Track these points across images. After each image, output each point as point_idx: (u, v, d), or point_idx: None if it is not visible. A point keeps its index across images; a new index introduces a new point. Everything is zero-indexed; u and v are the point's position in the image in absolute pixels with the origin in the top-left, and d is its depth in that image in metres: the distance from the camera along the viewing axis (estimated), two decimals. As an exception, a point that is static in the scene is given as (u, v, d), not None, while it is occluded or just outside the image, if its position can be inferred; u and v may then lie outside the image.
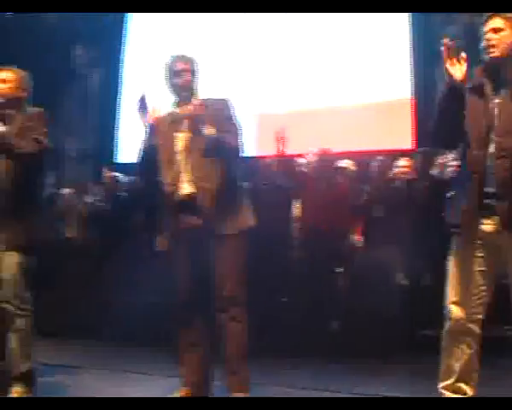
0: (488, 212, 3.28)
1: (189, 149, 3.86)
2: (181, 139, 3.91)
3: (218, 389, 3.95)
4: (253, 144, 7.36)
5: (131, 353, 6.10)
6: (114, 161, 10.50)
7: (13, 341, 3.80)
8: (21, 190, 3.82)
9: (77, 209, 8.17)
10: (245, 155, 4.13)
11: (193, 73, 4.01)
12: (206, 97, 3.98)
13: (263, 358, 5.08)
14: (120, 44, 10.90)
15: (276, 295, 6.59)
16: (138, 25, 10.64)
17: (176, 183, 3.86)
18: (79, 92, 11.21)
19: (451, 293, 3.40)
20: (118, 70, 11.03)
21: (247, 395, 3.73)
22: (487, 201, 3.27)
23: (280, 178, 6.75)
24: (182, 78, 3.96)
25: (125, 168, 8.88)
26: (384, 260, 6.37)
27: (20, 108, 4.00)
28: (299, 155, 7.01)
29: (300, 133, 7.64)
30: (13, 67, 4.09)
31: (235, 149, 3.89)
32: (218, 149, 3.80)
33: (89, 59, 11.42)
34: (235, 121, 3.94)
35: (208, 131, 3.76)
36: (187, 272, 3.87)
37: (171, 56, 4.05)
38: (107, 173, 8.22)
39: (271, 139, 6.20)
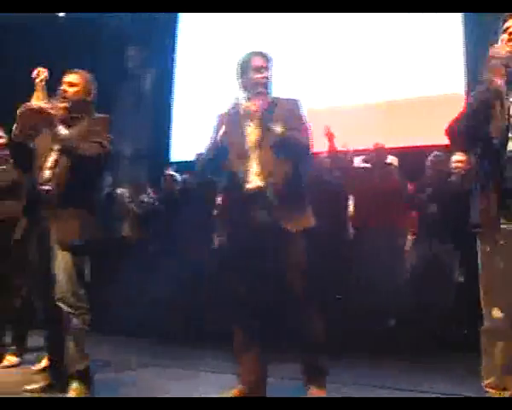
0: (509, 211, 3.29)
1: (259, 145, 3.87)
2: (251, 135, 3.91)
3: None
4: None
5: (188, 349, 6.16)
6: (169, 160, 10.60)
7: (69, 339, 3.87)
8: (80, 190, 3.88)
9: (132, 209, 8.28)
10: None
11: (270, 70, 4.01)
12: (276, 96, 3.98)
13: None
14: (173, 43, 10.99)
15: (331, 293, 6.55)
16: (190, 23, 10.70)
17: (245, 177, 3.85)
18: (133, 92, 11.36)
19: (489, 293, 3.40)
20: (171, 69, 11.13)
21: (323, 390, 3.73)
22: (508, 200, 3.28)
23: (331, 175, 6.73)
24: (261, 74, 3.95)
25: (179, 167, 8.97)
26: (439, 256, 6.30)
27: (87, 111, 4.07)
28: (351, 151, 6.98)
29: (352, 129, 7.61)
30: (79, 70, 4.15)
31: (304, 148, 3.88)
32: (288, 147, 3.81)
33: (142, 59, 11.56)
34: (304, 121, 3.93)
35: (278, 128, 3.77)
36: (246, 269, 3.84)
37: (250, 52, 4.02)
38: (167, 172, 8.33)
39: (319, 135, 6.16)
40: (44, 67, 4.34)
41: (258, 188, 3.79)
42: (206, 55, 10.16)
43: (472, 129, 3.42)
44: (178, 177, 8.31)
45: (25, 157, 4.08)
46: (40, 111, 3.83)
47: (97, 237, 4.00)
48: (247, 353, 3.88)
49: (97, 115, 4.08)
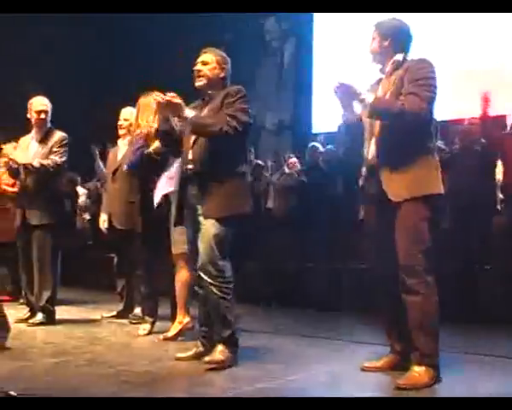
0: None
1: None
2: None
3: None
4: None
5: (330, 318, 6.19)
6: (311, 131, 10.61)
7: (212, 308, 4.04)
8: (222, 165, 3.98)
9: (275, 180, 8.37)
10: (437, 118, 3.95)
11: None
12: (408, 59, 3.82)
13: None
14: (310, 14, 10.95)
15: (474, 263, 6.35)
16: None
17: (368, 147, 3.83)
18: (274, 65, 11.44)
19: None
20: (309, 40, 11.11)
21: (423, 370, 3.52)
22: None
23: (478, 142, 6.46)
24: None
25: (321, 138, 8.97)
26: None
27: (221, 87, 4.14)
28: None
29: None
30: (211, 49, 4.26)
31: (398, 115, 3.59)
32: (380, 116, 3.69)
33: (280, 32, 11.62)
34: (423, 82, 3.61)
35: (368, 97, 3.65)
36: (377, 240, 3.82)
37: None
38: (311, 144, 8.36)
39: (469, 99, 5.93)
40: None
41: (373, 160, 3.78)
42: (344, 23, 10.03)
43: None
44: (321, 148, 8.31)
45: (173, 143, 4.24)
46: (169, 102, 3.97)
47: (242, 210, 4.06)
48: (390, 324, 3.86)
49: (231, 88, 4.14)
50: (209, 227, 3.97)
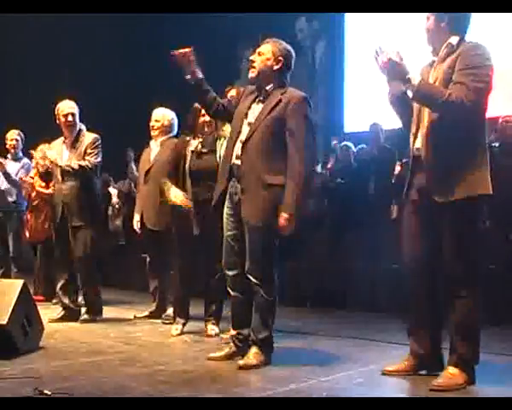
0: None
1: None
2: None
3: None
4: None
5: (368, 319, 6.13)
6: (343, 131, 10.56)
7: (255, 309, 4.00)
8: (271, 165, 3.89)
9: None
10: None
11: None
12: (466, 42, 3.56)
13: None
14: (342, 13, 10.89)
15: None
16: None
17: (414, 137, 3.64)
18: (305, 65, 11.40)
19: None
20: (340, 40, 11.06)
21: (458, 371, 3.44)
22: None
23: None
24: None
25: (354, 138, 8.91)
26: None
27: (275, 81, 4.02)
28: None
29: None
30: (272, 40, 4.10)
31: (441, 105, 3.39)
32: (424, 103, 3.50)
33: (312, 31, 11.58)
34: (474, 71, 3.40)
35: (415, 81, 3.42)
36: (414, 238, 3.67)
37: None
38: (342, 143, 8.31)
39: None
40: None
41: (417, 152, 3.60)
42: (375, 21, 9.94)
43: None
44: (353, 147, 8.27)
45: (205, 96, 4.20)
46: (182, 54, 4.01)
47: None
48: (417, 326, 3.74)
49: (294, 95, 3.98)
50: (254, 230, 3.91)
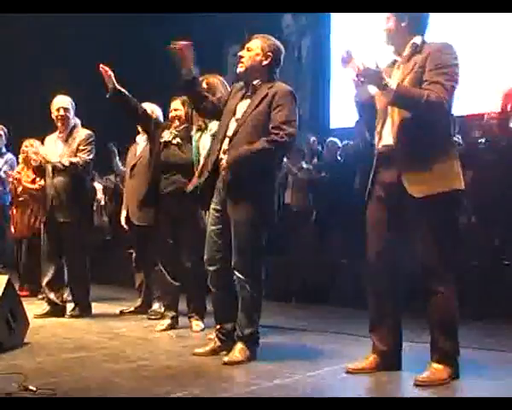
0: None
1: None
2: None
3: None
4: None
5: (353, 315, 6.14)
6: (329, 127, 10.57)
7: (240, 305, 4.01)
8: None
9: (294, 176, 8.34)
10: (456, 111, 3.73)
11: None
12: (429, 42, 3.60)
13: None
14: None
15: (498, 259, 6.27)
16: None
17: (380, 134, 3.63)
18: (291, 61, 11.40)
19: None
20: (327, 36, 11.06)
21: (441, 367, 3.43)
22: None
23: (502, 137, 6.38)
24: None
25: (340, 134, 8.92)
26: None
27: (263, 77, 4.03)
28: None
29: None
30: (260, 35, 4.10)
31: (424, 105, 3.40)
32: (403, 105, 3.47)
33: (298, 27, 11.57)
34: (447, 70, 3.44)
35: (392, 85, 3.39)
36: (378, 235, 3.65)
37: None
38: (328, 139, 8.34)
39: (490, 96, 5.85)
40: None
41: (385, 148, 3.59)
42: (361, 17, 9.95)
43: None
44: (339, 143, 8.28)
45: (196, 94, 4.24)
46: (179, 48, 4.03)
47: (269, 209, 4.05)
48: (379, 323, 3.73)
49: (280, 89, 3.98)
50: (240, 226, 3.92)
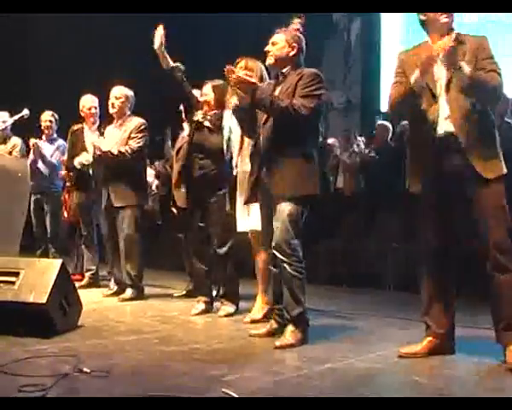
0: None
1: (447, 86, 3.65)
2: (439, 75, 3.69)
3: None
4: None
5: (405, 299, 6.07)
6: (380, 110, 10.46)
7: (284, 287, 4.04)
8: (288, 145, 4.01)
9: (344, 159, 8.28)
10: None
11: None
12: (463, 33, 3.68)
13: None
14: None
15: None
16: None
17: (435, 121, 3.63)
18: (341, 44, 11.33)
19: None
20: (376, 18, 10.93)
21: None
22: None
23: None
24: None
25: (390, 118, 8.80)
26: None
27: (292, 66, 4.20)
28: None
29: None
30: (283, 29, 4.29)
31: (493, 91, 3.58)
32: (476, 89, 3.54)
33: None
34: (494, 61, 3.61)
35: (467, 68, 3.50)
36: (435, 218, 3.69)
37: None
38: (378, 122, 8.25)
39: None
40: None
41: (449, 134, 3.59)
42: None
43: None
44: (389, 126, 8.18)
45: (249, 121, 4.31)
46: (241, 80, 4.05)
47: (313, 191, 4.07)
48: (436, 304, 3.71)
49: (306, 71, 4.15)
50: (284, 207, 3.99)
